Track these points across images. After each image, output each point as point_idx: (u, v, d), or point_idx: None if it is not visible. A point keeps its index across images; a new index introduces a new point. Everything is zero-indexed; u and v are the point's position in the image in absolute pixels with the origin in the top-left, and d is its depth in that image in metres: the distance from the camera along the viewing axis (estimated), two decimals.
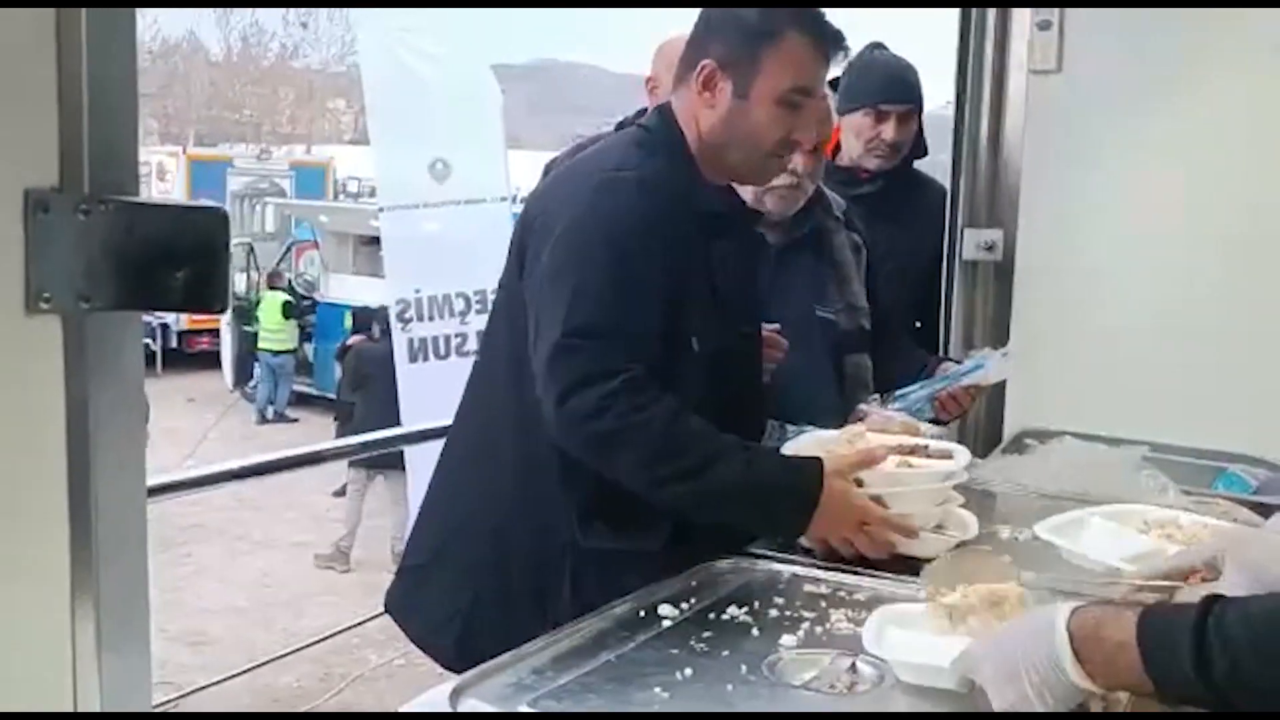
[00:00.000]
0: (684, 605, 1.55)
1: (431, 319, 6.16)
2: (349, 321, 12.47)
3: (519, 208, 2.72)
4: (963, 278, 3.10)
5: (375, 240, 11.36)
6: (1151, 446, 2.30)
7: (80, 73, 1.00)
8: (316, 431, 12.54)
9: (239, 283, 15.85)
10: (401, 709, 1.40)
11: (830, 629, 1.49)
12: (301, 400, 15.03)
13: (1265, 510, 1.92)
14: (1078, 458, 2.30)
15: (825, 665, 1.39)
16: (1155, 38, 2.70)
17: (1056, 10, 2.84)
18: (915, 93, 3.00)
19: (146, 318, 1.44)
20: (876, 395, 2.35)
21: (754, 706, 1.31)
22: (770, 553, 1.76)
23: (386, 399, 8.91)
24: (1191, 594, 1.45)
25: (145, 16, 30.51)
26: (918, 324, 3.01)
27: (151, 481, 2.00)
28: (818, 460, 1.78)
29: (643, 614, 1.52)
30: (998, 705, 1.18)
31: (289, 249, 17.04)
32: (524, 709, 1.28)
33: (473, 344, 5.84)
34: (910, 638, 1.37)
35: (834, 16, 1.92)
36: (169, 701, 5.72)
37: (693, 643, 1.43)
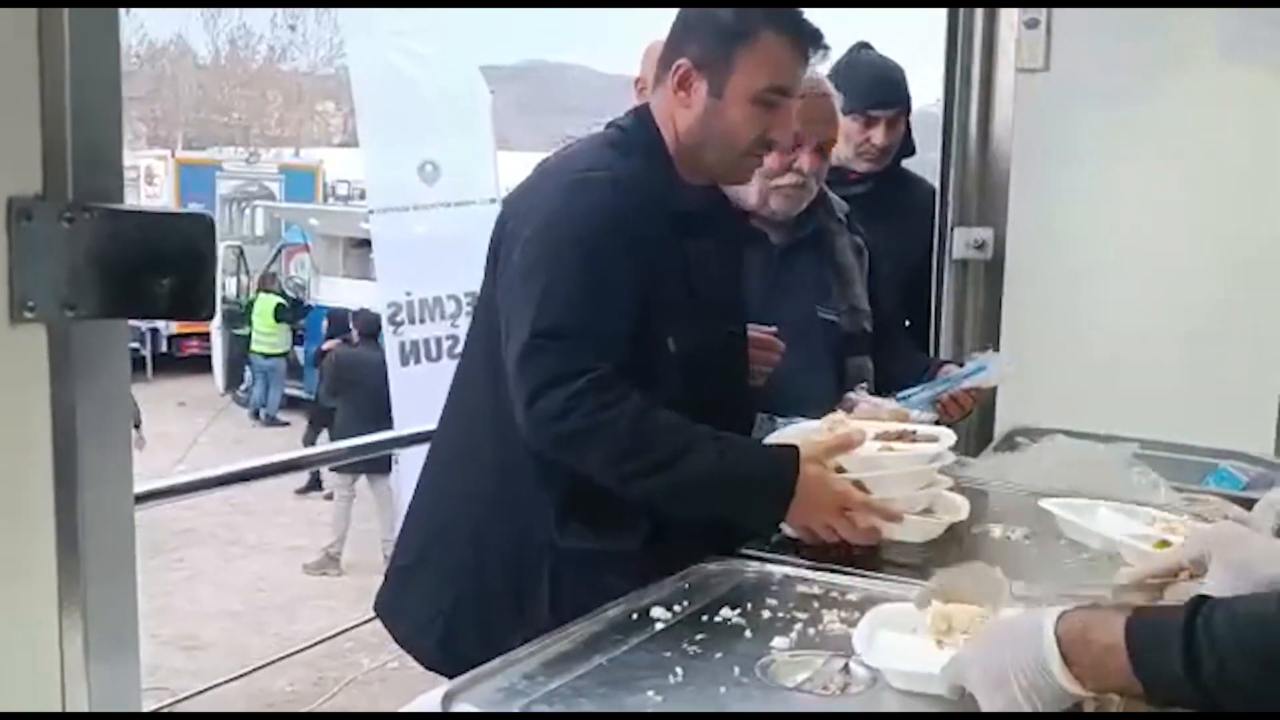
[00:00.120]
0: (676, 608, 1.54)
1: (423, 321, 6.14)
2: (324, 326, 12.37)
3: None
4: (953, 276, 3.11)
5: (365, 243, 11.35)
6: (1142, 443, 2.31)
7: (64, 76, 0.99)
8: (321, 434, 12.51)
9: (229, 286, 15.83)
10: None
11: (823, 630, 1.49)
12: (292, 404, 15.01)
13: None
14: (1069, 455, 2.30)
15: (818, 667, 1.38)
16: (1143, 35, 2.71)
17: (1044, 9, 2.84)
18: (903, 96, 3.00)
19: (136, 322, 1.43)
20: (865, 383, 2.34)
21: (747, 709, 1.30)
22: (763, 554, 1.75)
23: (366, 403, 8.94)
24: (1179, 591, 1.45)
25: (132, 20, 30.47)
26: (907, 322, 3.01)
27: (139, 489, 1.99)
28: (793, 447, 1.78)
29: (635, 616, 1.51)
30: (987, 710, 1.18)
31: (279, 252, 17.01)
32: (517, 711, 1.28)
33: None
34: (902, 641, 1.37)
35: (822, 13, 1.92)
36: (162, 707, 5.71)
37: (685, 645, 1.43)
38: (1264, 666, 1.06)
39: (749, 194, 2.27)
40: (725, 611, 1.53)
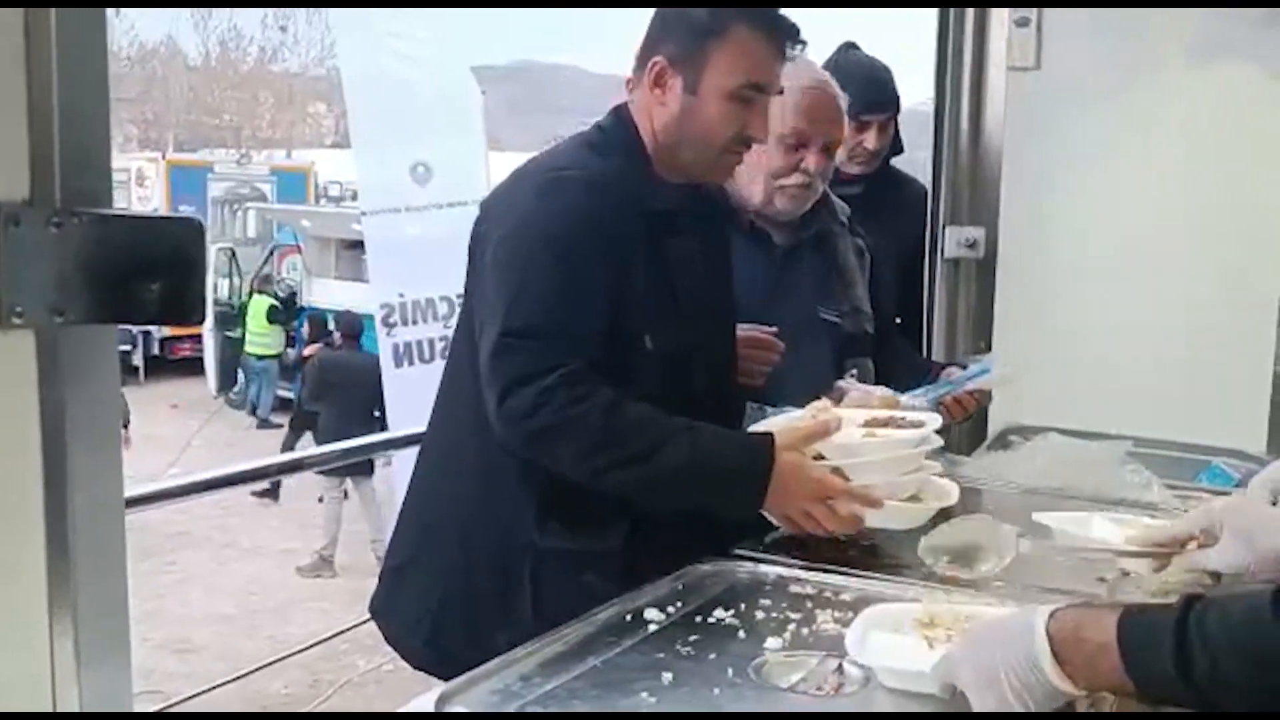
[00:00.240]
0: (670, 609, 1.54)
1: (415, 323, 6.13)
2: (306, 329, 12.30)
3: None
4: (945, 275, 3.11)
5: (358, 244, 11.32)
6: (1135, 441, 2.31)
7: (51, 78, 0.98)
8: (302, 438, 12.48)
9: (222, 288, 15.80)
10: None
11: (816, 630, 1.49)
12: (284, 405, 14.96)
13: None
14: (1063, 454, 2.30)
15: (812, 667, 1.38)
16: (1134, 34, 2.71)
17: (1034, 8, 2.84)
18: (894, 98, 2.99)
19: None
20: (855, 371, 2.34)
21: (741, 709, 1.30)
22: (756, 554, 1.75)
23: (350, 405, 8.92)
24: (1186, 561, 1.46)
25: (122, 21, 30.38)
26: (898, 320, 3.01)
27: (131, 493, 1.99)
28: (768, 435, 1.77)
29: (628, 618, 1.51)
30: (978, 709, 1.18)
31: (271, 254, 16.99)
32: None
33: None
34: (894, 641, 1.37)
35: (809, 12, 1.92)
36: (159, 709, 5.69)
37: (679, 646, 1.43)
38: (1256, 665, 1.06)
39: (754, 194, 2.27)
40: (719, 612, 1.53)
